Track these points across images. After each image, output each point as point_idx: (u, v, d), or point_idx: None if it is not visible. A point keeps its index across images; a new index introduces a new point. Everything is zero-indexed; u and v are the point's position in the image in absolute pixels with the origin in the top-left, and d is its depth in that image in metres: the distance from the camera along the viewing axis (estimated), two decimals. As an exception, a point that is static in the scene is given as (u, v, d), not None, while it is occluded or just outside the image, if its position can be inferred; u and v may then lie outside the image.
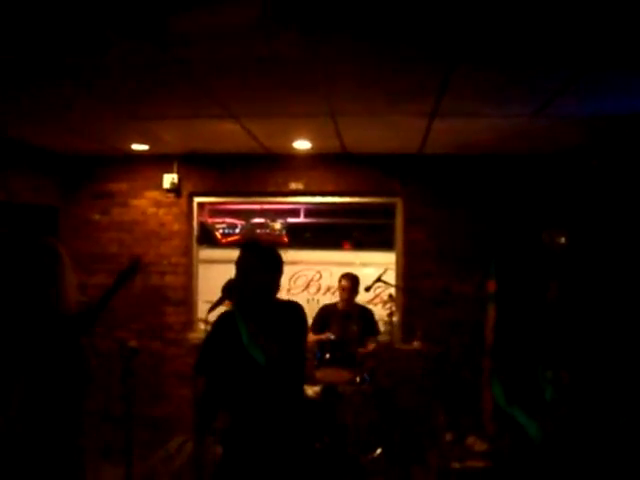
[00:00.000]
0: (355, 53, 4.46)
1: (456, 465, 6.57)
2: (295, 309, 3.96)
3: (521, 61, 4.58)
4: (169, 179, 8.46)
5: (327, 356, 6.97)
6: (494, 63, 4.65)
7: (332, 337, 7.09)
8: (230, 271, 8.54)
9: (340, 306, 7.47)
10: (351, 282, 7.41)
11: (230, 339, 3.76)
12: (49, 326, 4.01)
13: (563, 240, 6.53)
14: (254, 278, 3.81)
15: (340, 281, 7.51)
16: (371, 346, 7.07)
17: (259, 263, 3.86)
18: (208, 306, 7.35)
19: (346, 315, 7.31)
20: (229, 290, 3.87)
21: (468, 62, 4.61)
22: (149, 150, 8.10)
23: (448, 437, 7.38)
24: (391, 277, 8.08)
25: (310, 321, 7.08)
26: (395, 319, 7.55)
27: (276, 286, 3.94)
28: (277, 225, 9.03)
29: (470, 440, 7.27)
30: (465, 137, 7.15)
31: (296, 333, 3.86)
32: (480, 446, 7.01)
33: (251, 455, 3.72)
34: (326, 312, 7.51)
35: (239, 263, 3.91)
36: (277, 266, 3.95)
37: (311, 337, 7.00)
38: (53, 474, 3.91)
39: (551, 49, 4.32)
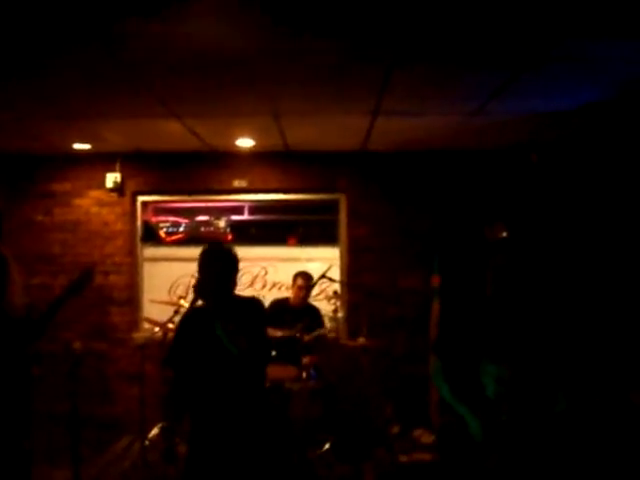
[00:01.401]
0: (298, 53, 4.49)
1: (404, 458, 6.65)
2: (256, 304, 4.28)
3: (459, 62, 4.68)
4: (112, 178, 8.39)
5: (273, 353, 6.97)
6: (433, 64, 4.74)
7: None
8: (174, 269, 8.55)
9: (292, 303, 7.47)
10: (307, 281, 7.43)
11: (201, 334, 4.01)
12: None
13: (505, 234, 6.63)
14: (215, 277, 4.06)
15: (296, 280, 7.51)
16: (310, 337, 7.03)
17: (217, 262, 4.11)
18: (153, 305, 7.40)
19: (298, 312, 7.31)
20: (199, 289, 4.08)
21: (407, 63, 4.69)
22: (92, 149, 8.03)
23: (395, 430, 7.46)
24: (336, 273, 8.11)
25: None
26: (340, 315, 7.59)
27: (234, 282, 4.20)
28: (221, 223, 9.02)
29: (417, 433, 7.36)
30: (407, 134, 7.22)
31: (258, 326, 4.17)
32: (427, 438, 7.11)
33: (220, 446, 3.95)
34: (278, 307, 7.49)
35: (201, 264, 4.12)
36: (234, 263, 4.19)
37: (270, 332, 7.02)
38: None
39: (488, 50, 4.42)
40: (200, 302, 4.13)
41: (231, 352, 3.88)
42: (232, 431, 3.96)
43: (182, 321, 4.32)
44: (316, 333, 7.06)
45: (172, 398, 4.57)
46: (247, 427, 3.98)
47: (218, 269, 4.09)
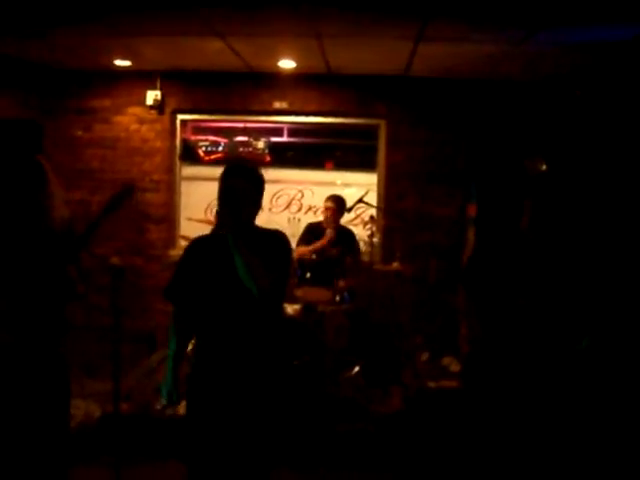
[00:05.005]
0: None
1: (431, 384, 6.72)
2: (282, 240, 3.74)
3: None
4: (152, 96, 8.40)
5: (308, 275, 7.02)
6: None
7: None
8: (212, 188, 8.52)
9: (326, 226, 7.47)
10: (336, 204, 7.38)
11: (215, 266, 3.57)
12: (38, 241, 4.05)
13: (544, 167, 6.55)
14: (239, 205, 3.48)
15: (325, 202, 7.51)
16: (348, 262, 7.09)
17: (244, 188, 3.53)
18: (190, 223, 7.41)
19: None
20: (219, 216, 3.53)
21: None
22: (132, 66, 8.02)
23: (424, 357, 7.54)
24: (373, 198, 8.11)
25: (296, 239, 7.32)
26: (375, 240, 7.59)
27: (258, 206, 3.64)
28: (260, 144, 9.01)
29: (446, 360, 7.43)
30: (452, 61, 7.13)
31: (284, 265, 3.66)
32: (456, 367, 7.17)
33: (227, 373, 3.55)
34: (313, 230, 7.51)
35: (225, 187, 3.54)
36: (259, 184, 3.62)
37: (302, 249, 7.19)
38: (39, 385, 3.99)
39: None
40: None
41: (250, 291, 3.40)
42: (239, 372, 3.53)
43: (191, 247, 3.81)
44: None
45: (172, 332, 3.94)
46: (253, 359, 3.56)
47: (240, 190, 3.49)
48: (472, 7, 5.04)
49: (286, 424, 3.92)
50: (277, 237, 3.72)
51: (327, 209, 7.41)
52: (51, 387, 4.09)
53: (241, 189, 3.51)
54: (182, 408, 3.68)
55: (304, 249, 7.16)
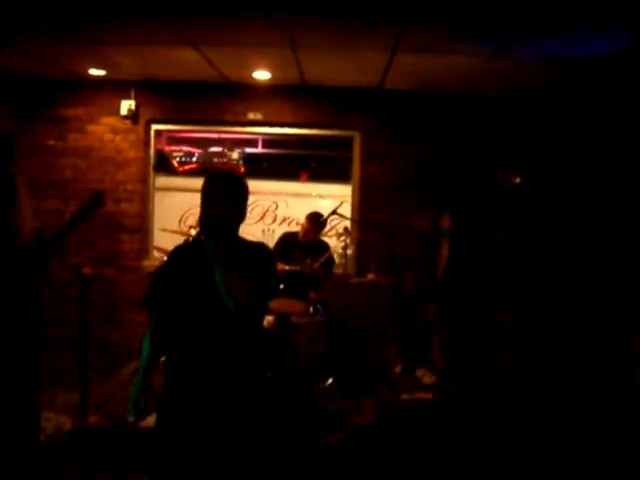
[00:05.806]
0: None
1: (405, 397, 6.72)
2: (267, 254, 3.58)
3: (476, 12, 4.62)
4: (126, 105, 8.35)
5: (281, 286, 6.97)
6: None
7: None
8: (186, 199, 8.51)
9: (302, 238, 7.46)
10: (312, 225, 7.37)
11: (193, 276, 3.40)
12: (5, 254, 4.01)
13: (518, 180, 6.58)
14: (222, 211, 3.34)
15: (304, 221, 7.49)
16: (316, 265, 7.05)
17: (227, 195, 3.39)
18: (164, 234, 7.36)
19: (307, 247, 7.31)
20: (201, 225, 3.39)
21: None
22: (106, 75, 7.98)
23: (398, 369, 7.52)
24: (347, 210, 8.11)
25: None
26: (349, 252, 7.59)
27: (241, 217, 3.50)
28: (234, 154, 8.99)
29: (420, 372, 7.42)
30: (426, 74, 7.17)
31: (267, 281, 3.47)
32: (429, 379, 7.16)
33: (200, 386, 3.38)
34: (288, 241, 7.49)
35: (206, 195, 3.39)
36: (243, 194, 3.50)
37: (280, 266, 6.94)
38: (8, 399, 3.95)
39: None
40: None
41: (228, 306, 3.25)
42: (213, 385, 3.37)
43: (172, 255, 3.67)
44: (323, 259, 7.09)
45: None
46: (230, 383, 3.40)
47: (222, 197, 3.34)
48: (449, 16, 5.05)
49: (261, 439, 3.76)
50: (262, 250, 3.57)
51: (303, 227, 7.41)
52: (20, 404, 4.05)
53: (223, 196, 3.37)
54: (153, 421, 3.55)
55: (280, 265, 7.02)
